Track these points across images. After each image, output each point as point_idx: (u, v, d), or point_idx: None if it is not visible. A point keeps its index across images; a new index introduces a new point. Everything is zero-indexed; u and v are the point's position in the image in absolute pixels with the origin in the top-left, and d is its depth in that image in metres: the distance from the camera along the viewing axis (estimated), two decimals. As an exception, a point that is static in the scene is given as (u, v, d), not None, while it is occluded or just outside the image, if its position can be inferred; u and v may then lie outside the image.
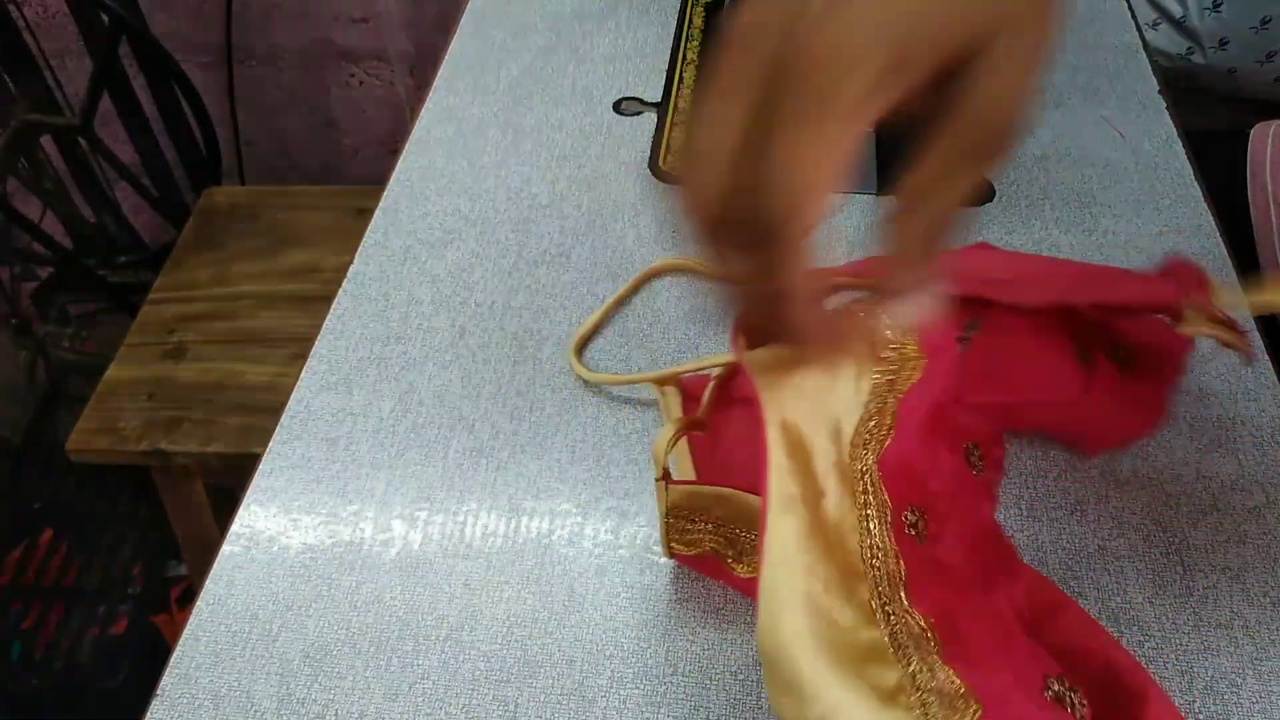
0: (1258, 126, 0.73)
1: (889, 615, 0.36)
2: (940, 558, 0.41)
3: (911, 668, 0.35)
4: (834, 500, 0.38)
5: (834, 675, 0.34)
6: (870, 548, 0.38)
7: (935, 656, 0.35)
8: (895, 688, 0.34)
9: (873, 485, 0.39)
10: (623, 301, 0.59)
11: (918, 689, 0.34)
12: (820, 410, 0.40)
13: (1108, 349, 0.50)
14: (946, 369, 0.42)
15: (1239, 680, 0.43)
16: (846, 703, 0.33)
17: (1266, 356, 0.54)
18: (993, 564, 0.43)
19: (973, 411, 0.47)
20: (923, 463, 0.42)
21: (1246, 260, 0.69)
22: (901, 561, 0.38)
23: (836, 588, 0.36)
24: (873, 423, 0.40)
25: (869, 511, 0.39)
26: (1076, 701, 0.37)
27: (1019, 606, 0.41)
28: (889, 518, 0.39)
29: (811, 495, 0.38)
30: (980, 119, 0.27)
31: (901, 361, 0.41)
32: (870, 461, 0.40)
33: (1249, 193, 0.70)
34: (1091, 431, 0.50)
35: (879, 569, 0.38)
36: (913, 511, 0.41)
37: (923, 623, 0.37)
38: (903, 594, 0.37)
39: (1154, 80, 0.72)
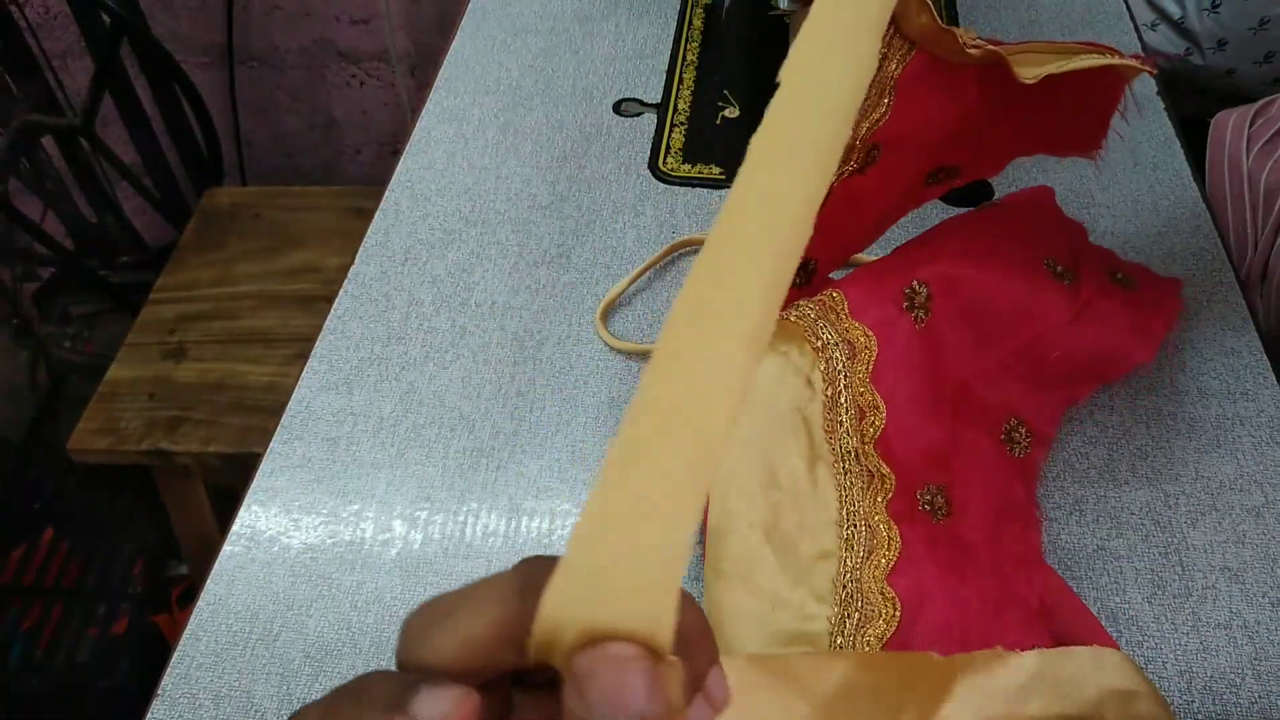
0: (1218, 115, 0.71)
1: (847, 590, 0.38)
2: (961, 534, 0.41)
3: (839, 641, 0.37)
4: (800, 492, 0.39)
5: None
6: (850, 525, 0.39)
7: (875, 630, 0.37)
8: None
9: (859, 465, 0.40)
10: (651, 275, 0.60)
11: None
12: (772, 413, 0.40)
13: (1102, 270, 0.50)
14: (909, 341, 0.43)
15: (1238, 680, 0.43)
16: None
17: (1266, 357, 0.55)
18: (1020, 548, 0.43)
19: (1016, 384, 0.46)
20: (941, 442, 0.43)
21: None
22: (897, 536, 0.39)
23: (784, 578, 0.38)
24: (842, 407, 0.41)
25: (853, 493, 0.40)
26: None
27: (1040, 591, 0.42)
28: (888, 496, 0.40)
29: (768, 501, 0.39)
30: None
31: (847, 345, 0.41)
32: (856, 443, 0.40)
33: (1206, 185, 0.67)
34: (1123, 348, 0.49)
35: (855, 544, 0.39)
36: (929, 490, 0.41)
37: (889, 595, 0.38)
38: (875, 568, 0.39)
39: (1153, 81, 0.72)
